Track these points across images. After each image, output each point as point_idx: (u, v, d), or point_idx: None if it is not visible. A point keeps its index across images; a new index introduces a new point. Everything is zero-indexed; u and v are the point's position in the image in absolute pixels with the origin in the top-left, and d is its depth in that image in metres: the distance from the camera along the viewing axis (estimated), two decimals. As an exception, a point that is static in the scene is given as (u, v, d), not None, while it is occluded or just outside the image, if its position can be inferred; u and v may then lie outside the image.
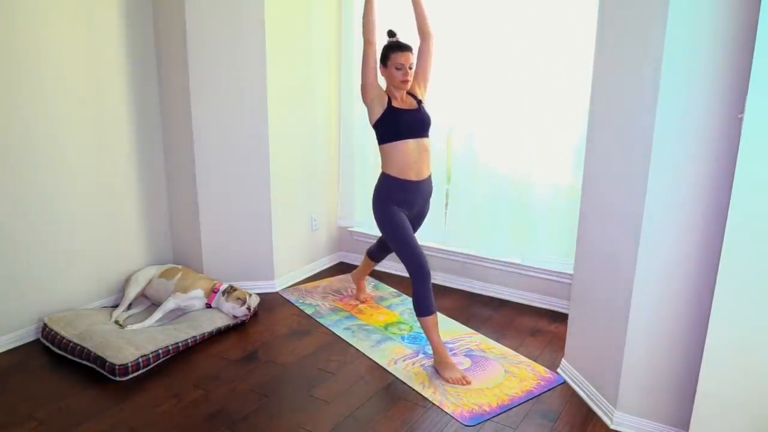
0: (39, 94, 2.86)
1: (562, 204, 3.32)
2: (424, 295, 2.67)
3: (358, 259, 4.20)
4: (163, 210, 3.61)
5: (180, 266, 3.42)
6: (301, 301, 3.55)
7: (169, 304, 3.11)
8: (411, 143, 2.77)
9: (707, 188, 1.98)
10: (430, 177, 2.90)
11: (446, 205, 3.76)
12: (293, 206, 3.78)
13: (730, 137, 1.90)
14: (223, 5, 3.23)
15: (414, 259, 2.69)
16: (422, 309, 2.68)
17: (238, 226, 3.56)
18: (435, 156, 3.60)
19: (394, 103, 2.79)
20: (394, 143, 2.77)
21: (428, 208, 3.01)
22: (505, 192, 3.50)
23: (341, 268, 4.16)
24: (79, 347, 2.73)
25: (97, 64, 3.10)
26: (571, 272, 2.81)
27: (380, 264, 3.73)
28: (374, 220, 2.89)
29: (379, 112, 2.77)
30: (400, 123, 2.75)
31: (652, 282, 2.14)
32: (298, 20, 3.57)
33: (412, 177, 2.80)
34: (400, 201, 2.80)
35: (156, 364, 2.75)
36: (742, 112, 1.75)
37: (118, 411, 2.40)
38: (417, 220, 2.97)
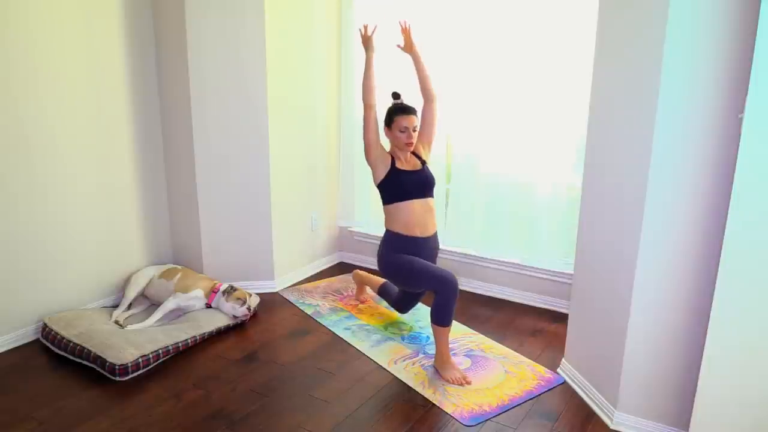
0: (39, 95, 2.86)
1: (562, 204, 3.33)
2: (449, 306, 2.64)
3: (358, 259, 4.21)
4: (163, 210, 3.61)
5: (180, 266, 3.42)
6: (301, 301, 3.55)
7: (169, 305, 3.11)
8: (416, 203, 2.79)
9: (707, 188, 1.98)
10: (436, 234, 2.92)
11: (446, 205, 3.76)
12: (293, 206, 3.78)
13: (730, 137, 1.90)
14: (223, 5, 3.23)
15: (438, 278, 2.65)
16: (443, 319, 2.66)
17: (238, 227, 3.56)
18: (435, 156, 3.60)
19: (398, 165, 2.81)
20: (399, 204, 2.80)
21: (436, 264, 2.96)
22: (505, 192, 3.50)
23: (341, 268, 4.16)
24: (79, 347, 2.73)
25: (96, 65, 3.10)
26: (571, 272, 2.81)
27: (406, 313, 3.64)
28: (385, 276, 2.89)
29: (383, 173, 2.80)
30: (404, 184, 2.78)
31: (652, 282, 2.14)
32: (299, 20, 3.57)
33: (418, 234, 2.81)
34: (408, 253, 2.80)
35: (156, 364, 2.75)
36: (742, 112, 1.75)
37: (118, 411, 2.40)
38: None
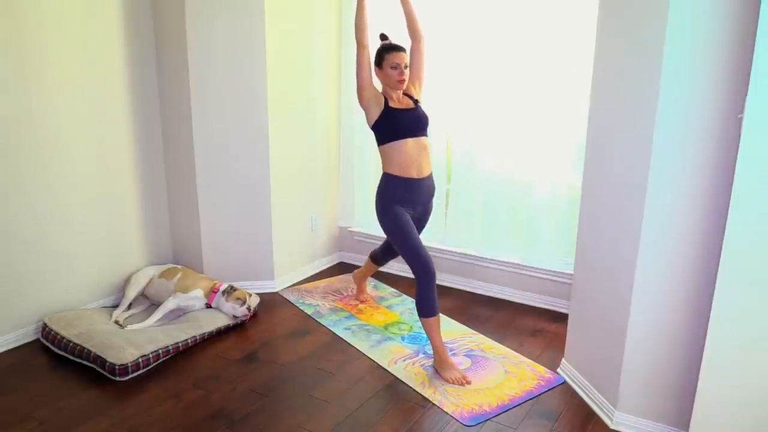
0: (38, 96, 2.86)
1: (562, 204, 3.33)
2: (428, 296, 2.67)
3: (358, 258, 4.20)
4: (163, 210, 3.61)
5: (180, 266, 3.42)
6: (301, 301, 3.55)
7: (169, 304, 3.11)
8: (410, 142, 2.78)
9: (707, 188, 1.98)
10: (431, 175, 2.91)
11: (446, 205, 3.76)
12: (293, 206, 3.78)
13: (729, 137, 1.90)
14: (223, 5, 3.23)
15: (419, 259, 2.69)
16: (426, 310, 2.68)
17: (238, 226, 3.56)
18: (435, 156, 3.61)
19: (391, 104, 2.80)
20: (394, 143, 2.78)
21: (431, 208, 3.00)
22: (505, 192, 3.50)
23: (341, 268, 4.16)
24: (79, 347, 2.73)
25: (96, 66, 3.10)
26: (571, 272, 2.81)
27: (383, 265, 3.70)
28: (378, 222, 2.89)
29: (376, 113, 2.78)
30: (398, 123, 2.77)
31: (652, 282, 2.14)
32: (299, 20, 3.57)
33: (414, 174, 2.80)
34: (403, 200, 2.80)
35: (156, 364, 2.75)
36: (742, 112, 1.75)
37: (118, 411, 2.40)
38: (421, 221, 2.97)
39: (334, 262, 4.26)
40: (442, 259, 3.78)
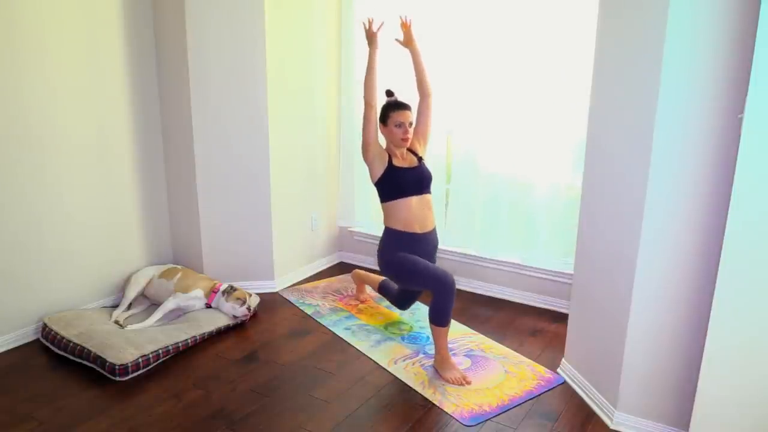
0: (38, 96, 2.86)
1: (561, 204, 3.33)
2: (446, 306, 2.64)
3: (358, 259, 4.21)
4: (163, 210, 3.61)
5: (180, 266, 3.42)
6: (301, 301, 3.55)
7: (169, 304, 3.11)
8: (413, 200, 2.80)
9: (707, 188, 1.98)
10: (435, 230, 2.91)
11: (446, 205, 3.76)
12: (293, 206, 3.78)
13: (730, 137, 1.90)
14: (223, 6, 3.23)
15: (435, 277, 2.65)
16: (441, 320, 2.66)
17: (238, 226, 3.56)
18: (435, 156, 3.61)
19: (395, 162, 2.81)
20: (397, 201, 2.79)
21: (435, 261, 2.96)
22: (505, 192, 3.50)
23: (341, 268, 4.16)
24: (79, 347, 2.73)
25: (97, 66, 3.10)
26: (571, 272, 2.81)
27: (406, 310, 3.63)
28: (385, 274, 2.89)
29: (380, 170, 2.79)
30: (401, 181, 2.78)
31: (652, 282, 2.14)
32: (299, 21, 3.57)
33: (417, 230, 2.81)
34: (406, 252, 2.80)
35: (156, 364, 2.75)
36: (742, 112, 1.75)
37: (118, 411, 2.40)
38: None
39: (334, 262, 4.26)
40: (442, 259, 3.77)
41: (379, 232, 2.97)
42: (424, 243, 2.84)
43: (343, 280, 3.87)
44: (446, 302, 2.64)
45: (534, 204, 3.41)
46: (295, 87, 3.63)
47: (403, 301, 3.16)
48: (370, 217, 4.12)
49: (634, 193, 2.13)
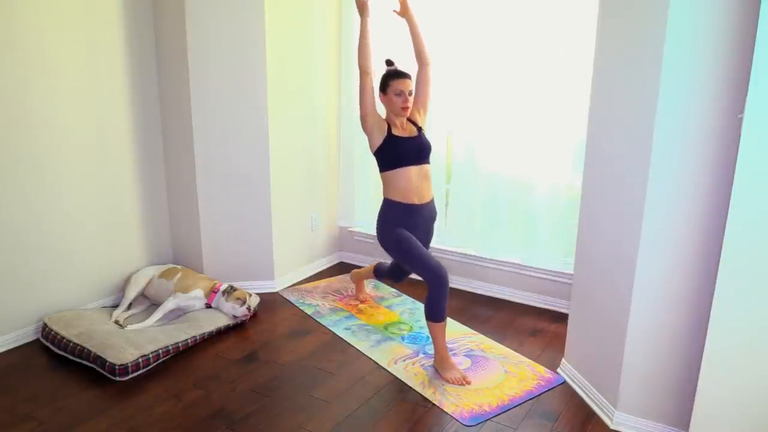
0: (39, 96, 2.86)
1: (562, 204, 3.33)
2: (439, 301, 2.64)
3: (358, 259, 4.21)
4: (163, 210, 3.61)
5: (180, 266, 3.42)
6: (301, 301, 3.55)
7: (169, 304, 3.11)
8: (412, 170, 2.78)
9: (707, 188, 1.98)
10: (432, 201, 2.90)
11: (446, 205, 3.76)
12: (293, 206, 3.78)
13: (730, 137, 1.90)
14: (223, 5, 3.23)
15: (429, 268, 2.66)
16: (435, 315, 2.66)
17: (238, 227, 3.56)
18: (435, 156, 3.60)
19: (394, 131, 2.79)
20: (396, 170, 2.77)
21: (432, 234, 2.97)
22: (505, 192, 3.50)
23: (341, 268, 4.16)
24: (79, 347, 2.73)
25: (97, 66, 3.10)
26: (571, 272, 2.81)
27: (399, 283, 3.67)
28: (381, 247, 2.87)
29: (379, 140, 2.77)
30: (400, 150, 2.76)
31: (652, 282, 2.14)
32: (299, 20, 3.57)
33: (415, 201, 2.80)
34: (404, 225, 2.79)
35: (156, 364, 2.75)
36: (742, 112, 1.75)
37: (118, 411, 2.40)
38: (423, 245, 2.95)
39: (334, 262, 4.26)
40: (442, 259, 3.76)
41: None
42: (422, 215, 2.83)
43: (343, 280, 3.87)
44: (440, 296, 2.64)
45: (534, 204, 3.41)
46: (295, 87, 3.63)
47: (397, 273, 3.18)
48: (370, 217, 4.12)
49: (634, 193, 2.13)
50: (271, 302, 3.52)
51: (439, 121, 3.60)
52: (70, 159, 3.04)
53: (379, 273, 3.32)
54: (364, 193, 4.09)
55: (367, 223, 4.13)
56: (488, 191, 3.56)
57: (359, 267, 4.03)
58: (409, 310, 3.41)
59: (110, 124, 3.22)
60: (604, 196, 2.36)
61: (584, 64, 2.97)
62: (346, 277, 3.91)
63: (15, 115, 2.79)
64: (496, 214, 3.55)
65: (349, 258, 4.27)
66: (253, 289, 3.57)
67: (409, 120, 2.87)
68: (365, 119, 2.77)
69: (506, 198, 3.50)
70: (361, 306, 3.47)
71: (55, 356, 2.82)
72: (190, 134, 3.38)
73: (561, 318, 3.28)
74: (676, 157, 2.01)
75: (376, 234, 2.91)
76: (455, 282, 3.79)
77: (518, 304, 3.57)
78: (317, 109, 3.85)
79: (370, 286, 3.76)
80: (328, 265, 4.20)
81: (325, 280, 3.91)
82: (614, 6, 2.25)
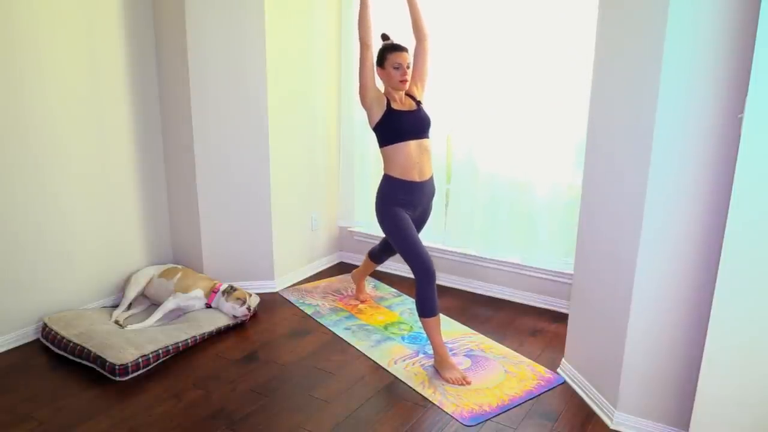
0: (39, 95, 2.86)
1: (562, 204, 3.33)
2: (429, 296, 2.66)
3: (358, 259, 4.20)
4: (163, 210, 3.61)
5: (180, 266, 3.42)
6: (301, 301, 3.55)
7: (169, 304, 3.11)
8: (412, 144, 2.76)
9: (707, 187, 1.98)
10: (432, 178, 2.89)
11: (446, 205, 3.76)
12: (293, 206, 3.78)
13: (730, 137, 1.90)
14: (223, 5, 3.23)
15: (419, 259, 2.68)
16: (426, 310, 2.67)
17: (238, 226, 3.56)
18: (435, 156, 3.60)
19: (393, 105, 2.78)
20: (395, 145, 2.76)
21: (431, 210, 3.00)
22: (505, 192, 3.50)
23: (341, 268, 4.16)
24: (79, 347, 2.73)
25: (97, 66, 3.10)
26: (571, 272, 2.81)
27: (381, 264, 3.72)
28: (377, 222, 2.88)
29: (378, 114, 2.76)
30: (400, 125, 2.75)
31: (652, 282, 2.14)
32: (299, 20, 3.57)
33: (415, 177, 2.79)
34: (403, 202, 2.80)
35: (156, 364, 2.75)
36: (742, 112, 1.75)
37: (118, 411, 2.40)
38: (420, 223, 2.97)
39: (334, 262, 4.26)
40: (442, 259, 3.78)
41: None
42: (422, 191, 2.83)
43: (343, 280, 3.87)
44: (429, 289, 2.65)
45: (534, 204, 3.41)
46: (296, 87, 3.63)
47: (382, 254, 3.30)
48: (370, 217, 4.12)
49: (634, 193, 2.13)
50: (271, 302, 3.52)
51: (439, 121, 3.59)
52: (70, 159, 3.04)
53: (373, 256, 3.36)
54: (364, 194, 4.09)
55: (367, 223, 4.13)
56: (488, 191, 3.56)
57: (358, 267, 4.04)
58: (409, 310, 3.41)
59: (110, 124, 3.22)
60: (604, 195, 2.36)
61: (584, 63, 2.97)
62: (346, 277, 3.91)
63: (15, 116, 2.78)
64: (496, 214, 3.55)
65: (349, 258, 4.27)
66: (253, 289, 3.57)
67: (408, 95, 2.86)
68: (364, 93, 2.75)
69: (506, 198, 3.50)
70: (361, 306, 3.47)
71: (55, 356, 2.82)
72: (190, 134, 3.38)
73: (561, 318, 3.28)
74: (676, 156, 2.01)
75: (375, 207, 2.89)
76: (455, 282, 3.79)
77: (518, 304, 3.57)
78: (317, 110, 3.85)
79: (370, 286, 3.76)
80: (328, 265, 4.20)
81: (325, 280, 3.91)
82: (614, 6, 2.25)
